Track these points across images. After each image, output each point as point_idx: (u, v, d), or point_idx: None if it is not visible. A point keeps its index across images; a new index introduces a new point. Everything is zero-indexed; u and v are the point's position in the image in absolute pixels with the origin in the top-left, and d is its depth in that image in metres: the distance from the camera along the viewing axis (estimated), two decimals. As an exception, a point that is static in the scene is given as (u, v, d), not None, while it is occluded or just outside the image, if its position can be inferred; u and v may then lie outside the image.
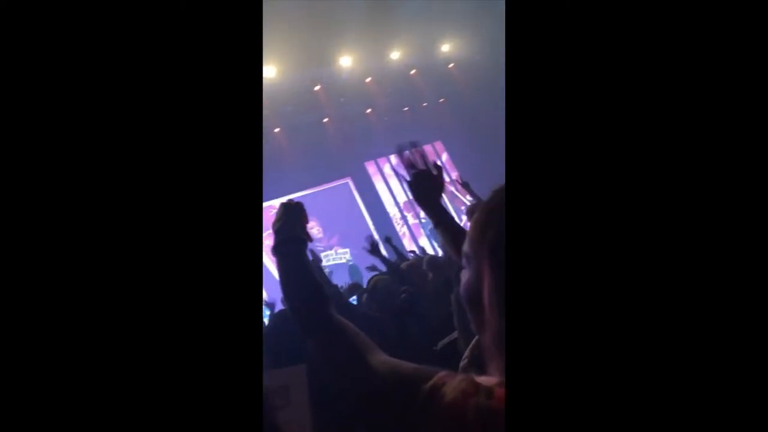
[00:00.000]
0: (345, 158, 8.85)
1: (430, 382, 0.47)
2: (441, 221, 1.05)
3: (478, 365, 0.51)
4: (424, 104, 9.36)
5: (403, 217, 9.43)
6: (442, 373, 0.48)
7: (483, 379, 0.47)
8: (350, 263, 8.02)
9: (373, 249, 2.74)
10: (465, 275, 0.54)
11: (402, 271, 2.60)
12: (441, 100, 9.47)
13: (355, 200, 9.22)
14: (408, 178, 1.03)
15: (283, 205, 0.74)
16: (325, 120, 8.51)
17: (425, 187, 1.01)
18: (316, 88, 7.82)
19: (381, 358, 0.54)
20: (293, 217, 0.71)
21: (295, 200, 0.76)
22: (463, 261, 0.55)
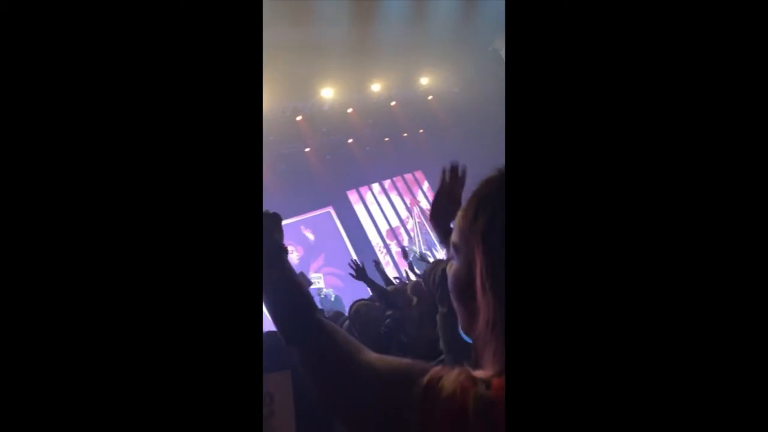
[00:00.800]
0: (327, 187, 8.89)
1: (427, 376, 0.48)
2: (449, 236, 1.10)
3: (473, 358, 0.52)
4: (405, 135, 9.55)
5: (386, 246, 9.43)
6: (437, 368, 0.49)
7: (479, 372, 0.48)
8: (333, 295, 7.92)
9: (359, 273, 2.71)
10: (453, 267, 0.56)
11: (389, 294, 2.60)
12: (420, 131, 9.67)
13: (337, 228, 9.21)
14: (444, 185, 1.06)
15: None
16: (307, 149, 8.58)
17: (445, 205, 1.06)
18: (298, 118, 7.91)
19: (373, 356, 0.55)
20: (271, 225, 0.72)
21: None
22: (452, 251, 0.56)
